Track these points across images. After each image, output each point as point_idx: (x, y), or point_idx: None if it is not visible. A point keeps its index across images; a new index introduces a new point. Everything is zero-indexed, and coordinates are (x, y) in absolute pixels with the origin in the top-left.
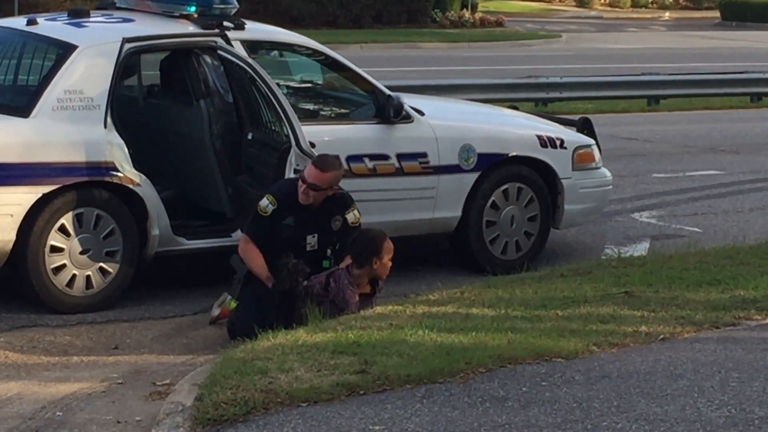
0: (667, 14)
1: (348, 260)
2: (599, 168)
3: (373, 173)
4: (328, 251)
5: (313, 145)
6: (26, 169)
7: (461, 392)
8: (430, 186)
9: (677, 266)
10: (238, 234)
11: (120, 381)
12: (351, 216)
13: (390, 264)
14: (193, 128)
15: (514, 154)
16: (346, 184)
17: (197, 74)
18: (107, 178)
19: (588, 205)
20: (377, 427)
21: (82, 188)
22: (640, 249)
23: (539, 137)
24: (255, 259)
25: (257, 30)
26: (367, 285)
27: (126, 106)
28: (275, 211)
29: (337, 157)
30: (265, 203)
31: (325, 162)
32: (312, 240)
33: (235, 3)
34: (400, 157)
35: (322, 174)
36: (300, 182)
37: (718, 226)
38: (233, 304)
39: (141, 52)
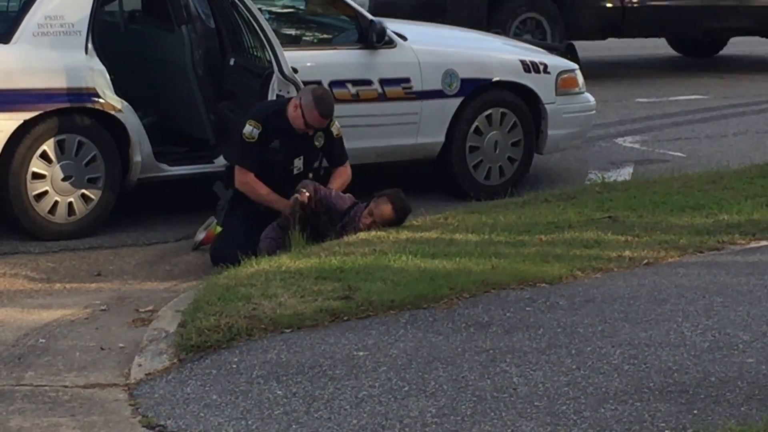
0: None
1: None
2: (583, 93)
3: (355, 99)
4: (310, 175)
5: (295, 70)
6: (7, 96)
7: (445, 318)
8: (413, 111)
9: (661, 191)
10: (220, 160)
11: (103, 308)
12: (335, 129)
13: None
14: (174, 54)
15: (498, 79)
16: None
17: None
18: (89, 105)
19: (571, 130)
20: (361, 353)
21: (63, 115)
22: (624, 174)
23: (522, 62)
24: (261, 191)
25: None
26: None
27: (107, 32)
28: (261, 135)
29: (329, 93)
30: (249, 129)
31: (327, 107)
32: (298, 162)
33: None
34: (383, 82)
35: (326, 120)
36: (296, 117)
37: (702, 150)
38: (219, 229)
39: None
